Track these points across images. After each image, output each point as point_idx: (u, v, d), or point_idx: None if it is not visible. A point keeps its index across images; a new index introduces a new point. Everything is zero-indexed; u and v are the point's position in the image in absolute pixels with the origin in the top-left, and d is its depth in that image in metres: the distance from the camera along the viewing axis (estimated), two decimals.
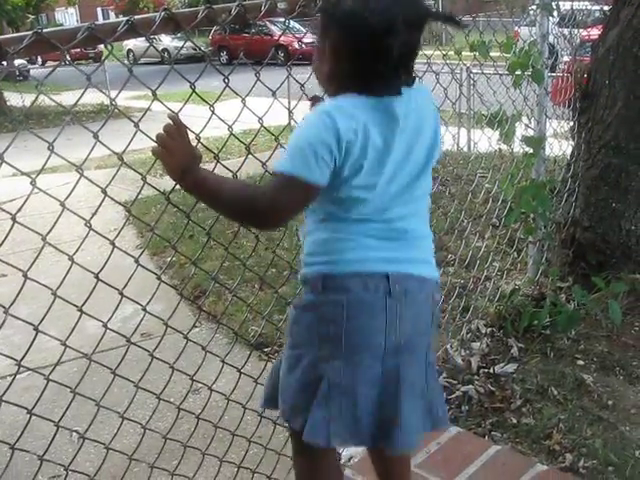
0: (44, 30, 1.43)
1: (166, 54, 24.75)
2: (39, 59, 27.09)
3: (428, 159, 1.62)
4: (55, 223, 1.62)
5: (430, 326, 1.71)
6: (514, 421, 2.74)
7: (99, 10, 45.45)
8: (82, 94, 1.71)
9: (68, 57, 1.55)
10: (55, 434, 1.78)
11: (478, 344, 3.24)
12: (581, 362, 3.16)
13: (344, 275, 1.55)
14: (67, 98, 1.80)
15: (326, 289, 1.56)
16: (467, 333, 3.32)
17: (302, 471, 1.84)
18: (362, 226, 1.55)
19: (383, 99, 1.50)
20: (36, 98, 1.74)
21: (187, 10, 1.76)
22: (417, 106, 1.57)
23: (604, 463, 2.48)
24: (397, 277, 1.57)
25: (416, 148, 1.58)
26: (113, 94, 1.84)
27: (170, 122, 1.52)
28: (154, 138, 1.54)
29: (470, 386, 2.94)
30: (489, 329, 3.38)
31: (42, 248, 1.60)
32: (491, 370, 3.05)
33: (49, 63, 26.01)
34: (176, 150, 1.53)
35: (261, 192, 1.55)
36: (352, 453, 2.56)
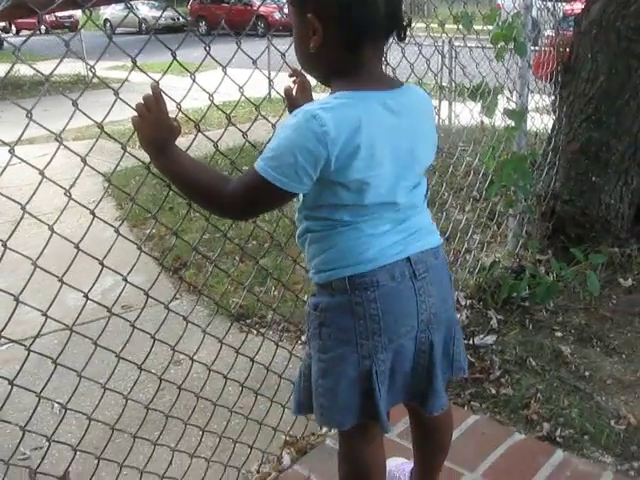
0: None
1: (144, 24, 24.44)
2: (13, 28, 26.67)
3: (426, 155, 1.61)
4: (34, 194, 1.60)
5: (450, 287, 1.73)
6: (493, 391, 2.77)
7: None
8: (60, 61, 1.67)
9: (44, 24, 1.52)
10: (37, 405, 1.78)
11: (458, 316, 3.26)
12: (559, 334, 3.19)
13: (370, 272, 1.51)
14: (43, 68, 1.78)
15: (355, 289, 1.52)
16: None
17: (360, 461, 1.78)
18: (373, 223, 1.52)
19: (374, 93, 1.46)
20: (13, 65, 1.70)
21: None
22: (411, 105, 1.54)
23: (580, 432, 2.52)
24: (418, 257, 1.56)
25: (415, 146, 1.54)
26: (91, 64, 1.80)
27: (150, 92, 1.49)
28: (134, 108, 1.51)
29: None
30: (469, 301, 3.40)
31: (21, 218, 1.58)
32: (470, 341, 3.08)
33: (23, 32, 25.63)
34: (152, 123, 1.50)
35: (232, 188, 1.48)
36: None
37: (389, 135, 1.46)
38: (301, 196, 1.53)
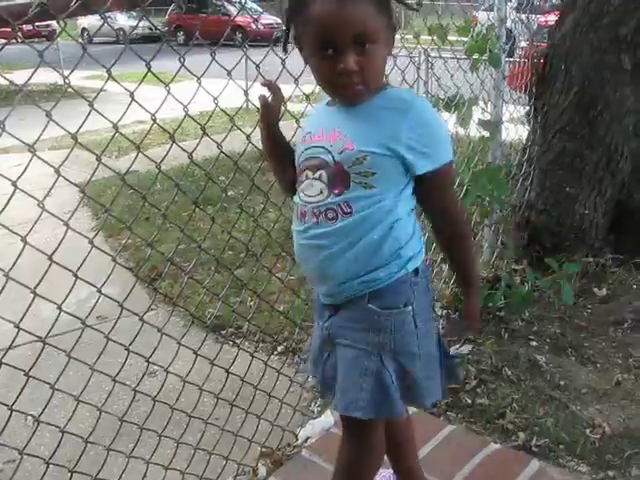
0: None
1: (121, 33, 24.38)
2: None
3: None
4: (6, 205, 1.58)
5: None
6: (469, 401, 2.78)
7: None
8: (34, 72, 1.66)
9: (20, 34, 1.51)
10: (9, 418, 1.76)
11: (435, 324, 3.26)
12: (534, 343, 3.22)
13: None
14: (19, 77, 1.77)
15: (425, 265, 1.69)
16: None
17: (376, 446, 1.81)
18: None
19: None
20: None
21: None
22: None
23: (555, 441, 2.54)
24: None
25: None
26: (67, 73, 1.79)
27: None
28: (109, 118, 1.51)
29: None
30: (445, 311, 3.42)
31: None
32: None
33: (0, 41, 25.36)
34: None
35: (455, 206, 1.66)
36: (309, 434, 2.57)
37: None
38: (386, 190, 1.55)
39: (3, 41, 1.77)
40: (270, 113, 1.79)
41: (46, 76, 13.84)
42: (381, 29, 1.49)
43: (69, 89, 1.78)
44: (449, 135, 1.59)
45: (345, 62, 1.45)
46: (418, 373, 1.64)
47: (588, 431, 2.59)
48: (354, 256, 1.57)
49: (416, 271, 1.63)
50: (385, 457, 1.96)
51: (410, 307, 1.61)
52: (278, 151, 1.82)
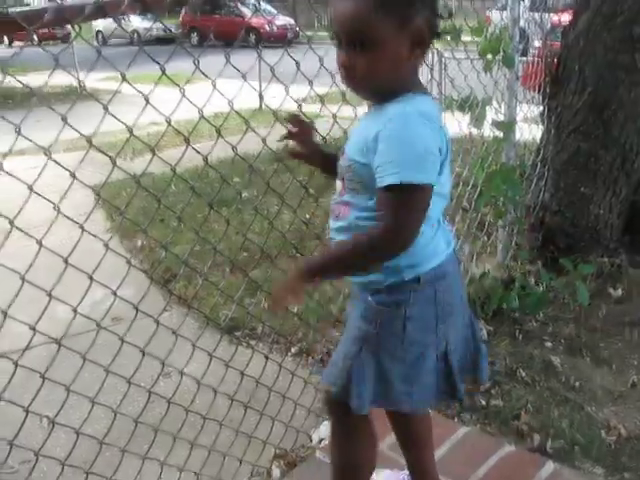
0: (10, 10, 1.40)
1: (136, 35, 24.43)
2: (5, 39, 26.60)
3: None
4: (22, 208, 1.59)
5: None
6: (483, 403, 2.77)
7: None
8: (49, 75, 1.68)
9: (35, 38, 1.52)
10: (25, 419, 1.77)
11: None
12: (549, 344, 3.20)
13: (445, 261, 1.66)
14: (35, 79, 1.79)
15: (438, 278, 1.64)
16: None
17: (355, 433, 1.84)
18: (439, 214, 1.67)
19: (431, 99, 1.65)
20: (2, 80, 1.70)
21: None
22: None
23: (571, 443, 2.53)
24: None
25: None
26: (82, 76, 1.80)
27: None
28: (124, 121, 1.51)
29: None
30: None
31: (10, 232, 1.58)
32: None
33: (16, 44, 25.57)
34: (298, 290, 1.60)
35: (384, 219, 1.49)
36: (323, 435, 2.58)
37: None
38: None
39: (20, 44, 1.78)
40: (308, 156, 1.88)
41: (61, 78, 13.90)
42: (385, 33, 1.46)
43: (84, 92, 1.79)
44: (421, 155, 1.45)
45: (342, 57, 1.53)
46: (396, 376, 1.67)
47: (603, 433, 2.58)
48: None
49: (417, 279, 1.62)
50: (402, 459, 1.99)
51: (402, 310, 1.63)
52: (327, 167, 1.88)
